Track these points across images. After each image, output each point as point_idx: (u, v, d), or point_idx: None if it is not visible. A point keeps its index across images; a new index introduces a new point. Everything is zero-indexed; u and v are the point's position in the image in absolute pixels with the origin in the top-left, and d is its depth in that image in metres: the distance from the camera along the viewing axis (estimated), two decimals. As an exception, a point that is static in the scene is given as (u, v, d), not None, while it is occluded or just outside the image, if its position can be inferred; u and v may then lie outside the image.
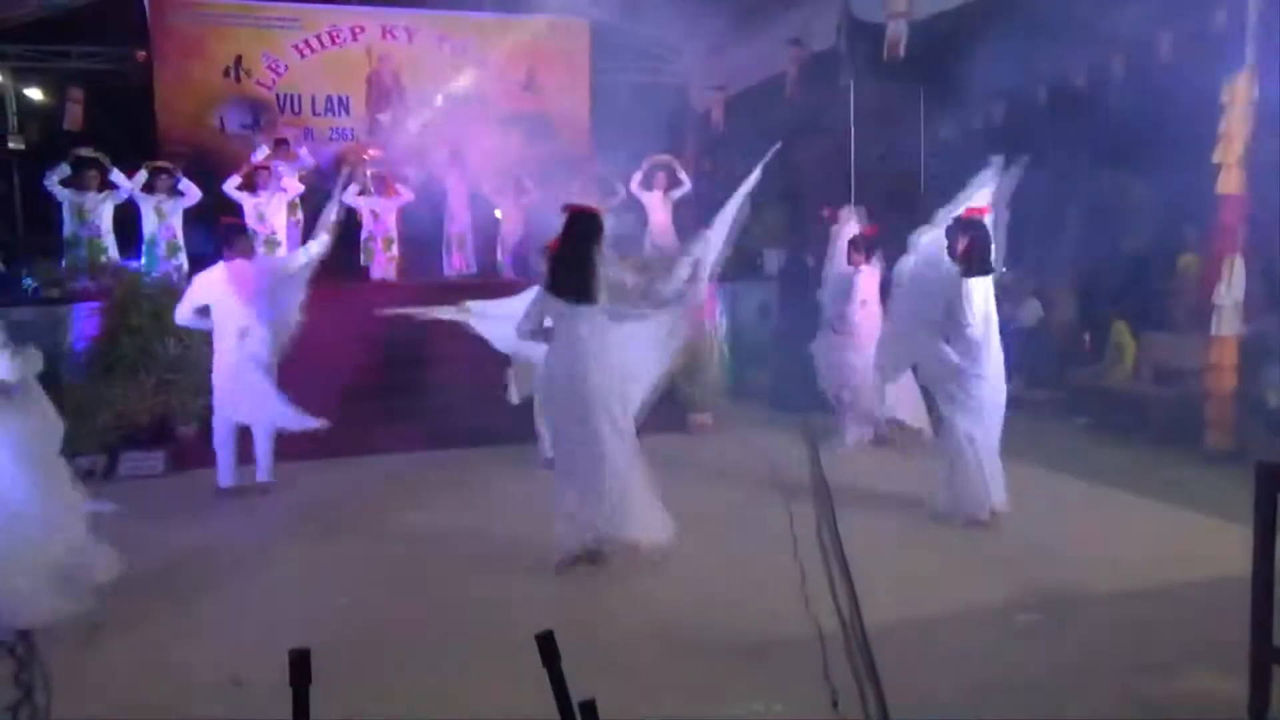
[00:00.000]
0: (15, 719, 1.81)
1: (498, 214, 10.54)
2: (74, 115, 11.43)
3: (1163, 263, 7.96)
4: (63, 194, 9.14)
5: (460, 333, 6.12)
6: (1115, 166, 8.34)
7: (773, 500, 5.72)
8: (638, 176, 10.37)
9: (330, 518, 5.71)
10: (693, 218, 11.26)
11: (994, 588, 4.25)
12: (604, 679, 1.91)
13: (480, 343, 6.06)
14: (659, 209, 10.37)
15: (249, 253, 6.22)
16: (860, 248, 6.96)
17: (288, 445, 6.38)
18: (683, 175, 10.42)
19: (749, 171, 5.64)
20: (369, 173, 10.09)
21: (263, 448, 6.22)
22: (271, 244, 9.21)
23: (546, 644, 1.51)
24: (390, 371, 7.94)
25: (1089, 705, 3.19)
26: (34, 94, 12.02)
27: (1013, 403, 5.31)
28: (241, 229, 6.62)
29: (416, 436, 7.52)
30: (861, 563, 4.46)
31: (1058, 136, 8.93)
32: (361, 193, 9.87)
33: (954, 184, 5.32)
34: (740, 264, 10.18)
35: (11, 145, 11.61)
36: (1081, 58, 8.41)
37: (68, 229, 9.12)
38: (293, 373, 6.29)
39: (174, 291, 7.39)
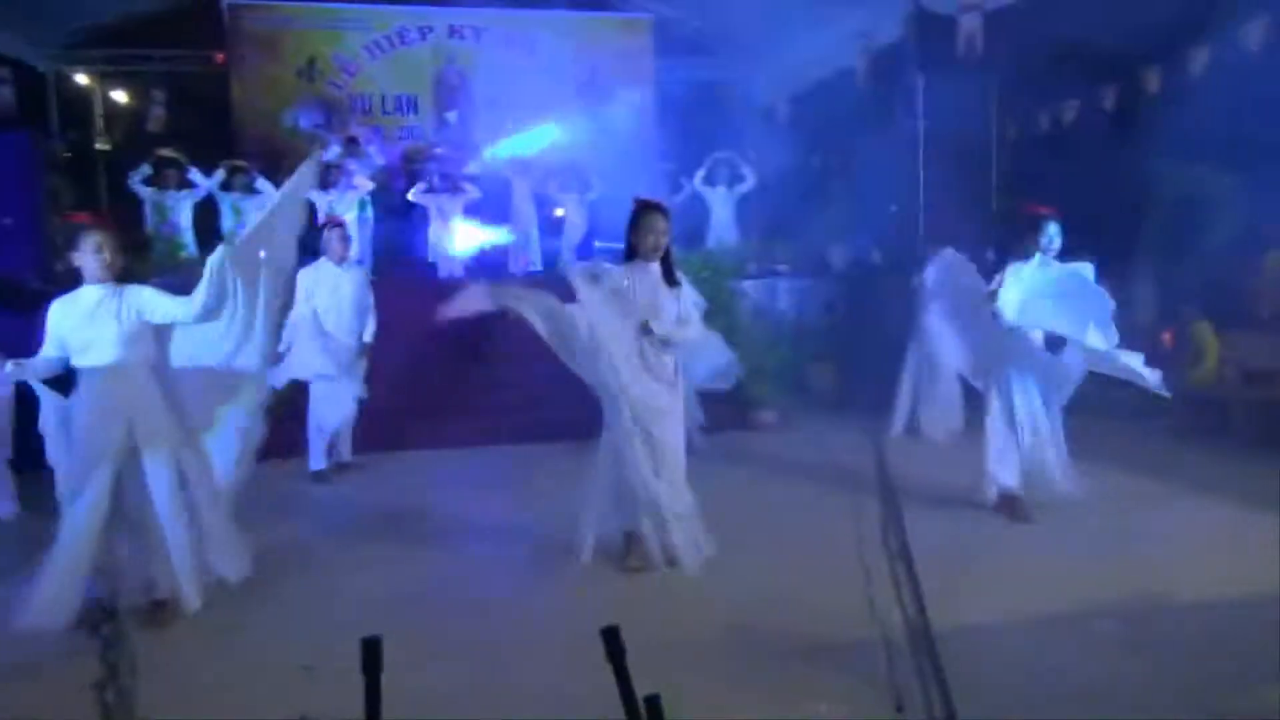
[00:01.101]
0: (102, 697, 1.87)
1: (559, 212, 10.62)
2: (156, 117, 11.87)
3: (1248, 259, 7.64)
4: (145, 193, 9.50)
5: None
6: (1198, 160, 8.03)
7: (837, 498, 5.65)
8: (701, 172, 10.36)
9: (400, 510, 5.82)
10: (755, 213, 11.24)
11: (1068, 593, 4.13)
12: (666, 676, 1.91)
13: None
14: (722, 204, 10.34)
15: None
16: None
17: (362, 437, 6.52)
18: (745, 170, 10.38)
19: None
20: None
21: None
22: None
23: (612, 639, 1.51)
24: (461, 366, 8.04)
25: (1162, 717, 3.08)
26: (119, 97, 12.48)
27: (1091, 403, 5.18)
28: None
29: (490, 431, 7.55)
30: (928, 563, 4.38)
31: (1136, 129, 8.62)
32: (429, 190, 10.04)
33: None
34: (806, 260, 10.10)
35: (98, 146, 12.09)
36: (1162, 48, 8.12)
37: (149, 227, 9.47)
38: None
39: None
